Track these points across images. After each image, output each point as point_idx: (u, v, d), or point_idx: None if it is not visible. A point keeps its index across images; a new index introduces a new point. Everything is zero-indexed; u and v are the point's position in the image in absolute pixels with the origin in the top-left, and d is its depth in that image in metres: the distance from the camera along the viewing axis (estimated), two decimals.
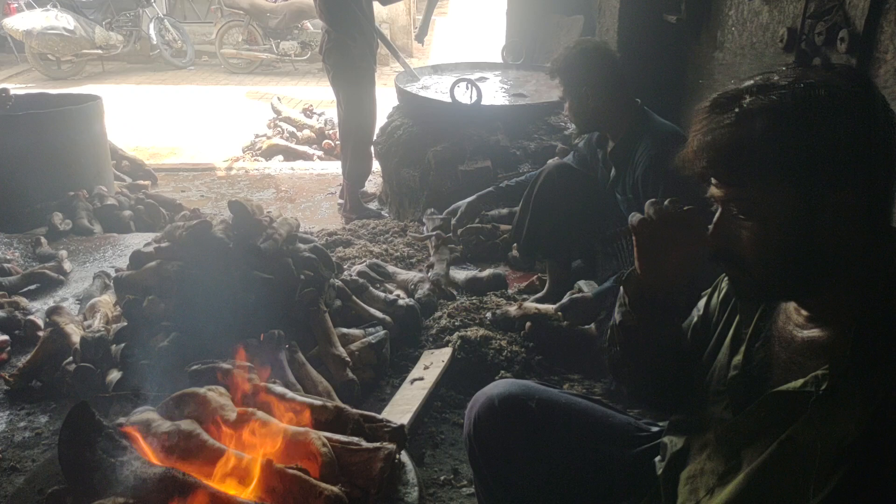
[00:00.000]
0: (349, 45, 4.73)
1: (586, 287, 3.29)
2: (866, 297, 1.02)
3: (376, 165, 5.93)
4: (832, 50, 2.18)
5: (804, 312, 1.10)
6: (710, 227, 1.10)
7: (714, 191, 1.08)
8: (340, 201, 5.47)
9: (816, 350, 1.06)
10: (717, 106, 1.06)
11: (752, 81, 1.05)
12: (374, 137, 5.17)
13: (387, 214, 5.20)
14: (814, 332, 1.08)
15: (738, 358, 1.20)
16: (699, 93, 3.29)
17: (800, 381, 1.02)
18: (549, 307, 2.99)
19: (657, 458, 1.35)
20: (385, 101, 5.55)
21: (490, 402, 1.52)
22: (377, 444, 1.45)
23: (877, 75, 1.98)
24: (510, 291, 3.56)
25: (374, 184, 6.06)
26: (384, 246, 3.99)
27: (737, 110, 1.02)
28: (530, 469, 1.46)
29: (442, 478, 2.34)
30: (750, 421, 1.10)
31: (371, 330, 2.90)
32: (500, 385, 1.57)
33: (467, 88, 4.45)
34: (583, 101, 2.78)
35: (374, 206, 5.53)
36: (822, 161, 0.97)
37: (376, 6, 5.00)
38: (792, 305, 1.13)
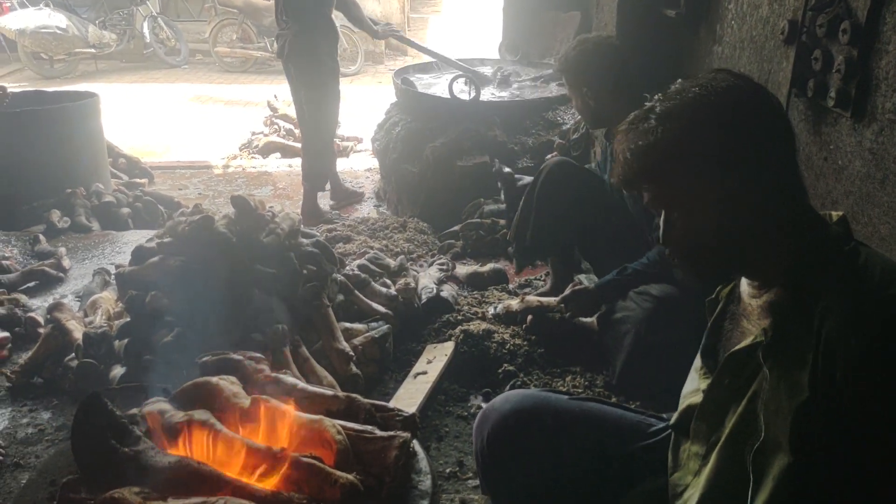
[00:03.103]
0: (319, 44, 4.65)
1: (586, 281, 3.30)
2: (793, 257, 1.13)
3: (374, 162, 5.94)
4: (834, 42, 2.18)
5: (754, 283, 1.20)
6: (660, 233, 1.22)
7: (648, 197, 1.21)
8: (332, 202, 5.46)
9: (767, 311, 1.15)
10: (635, 121, 1.19)
11: (658, 96, 1.20)
12: (373, 134, 5.17)
13: (386, 211, 5.21)
14: (764, 297, 1.17)
15: (703, 342, 1.30)
16: None
17: (750, 338, 1.12)
18: (550, 300, 3.00)
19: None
20: (382, 98, 5.54)
21: (503, 419, 1.50)
22: (392, 433, 1.46)
23: (879, 66, 1.99)
24: (511, 286, 3.57)
25: (371, 181, 6.06)
26: (384, 241, 4.00)
27: (652, 117, 1.16)
28: (547, 479, 1.45)
29: (448, 470, 2.35)
30: (718, 391, 1.18)
31: (374, 325, 2.90)
32: (512, 400, 1.55)
33: (465, 84, 4.46)
34: (588, 99, 2.80)
35: (371, 202, 5.54)
36: (730, 150, 1.11)
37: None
38: (745, 281, 1.24)
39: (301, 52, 4.65)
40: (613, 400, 2.51)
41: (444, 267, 3.58)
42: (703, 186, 1.13)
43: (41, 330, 3.04)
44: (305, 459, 1.35)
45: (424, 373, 2.75)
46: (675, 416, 1.34)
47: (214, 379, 1.57)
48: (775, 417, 1.03)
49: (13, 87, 4.80)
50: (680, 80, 1.22)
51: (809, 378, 1.01)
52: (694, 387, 1.30)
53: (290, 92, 5.05)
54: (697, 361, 1.33)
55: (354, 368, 2.65)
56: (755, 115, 1.13)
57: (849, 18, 2.10)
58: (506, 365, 2.79)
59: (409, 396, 2.61)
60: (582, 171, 3.06)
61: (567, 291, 2.82)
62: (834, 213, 1.17)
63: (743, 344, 1.14)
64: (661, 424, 1.51)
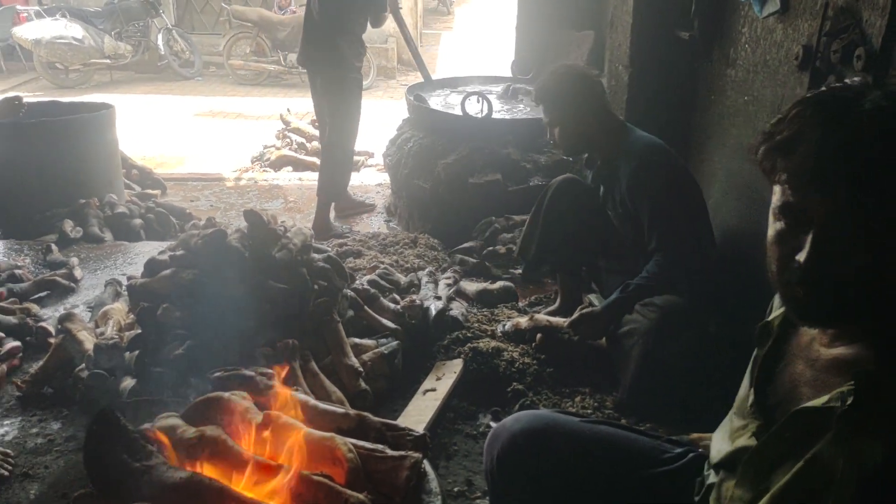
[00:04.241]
0: (347, 55, 4.72)
1: (596, 301, 3.30)
2: (892, 313, 1.00)
3: (384, 177, 5.97)
4: (848, 68, 2.19)
5: (829, 331, 1.08)
6: (805, 253, 1.01)
7: (784, 196, 1.03)
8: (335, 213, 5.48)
9: (843, 367, 1.04)
10: (825, 104, 1.00)
11: (859, 80, 1.03)
12: (384, 149, 5.20)
13: (396, 226, 5.23)
14: (840, 350, 1.06)
15: (750, 380, 1.20)
16: (710, 108, 3.31)
17: (825, 398, 1.00)
18: (559, 320, 3.00)
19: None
20: (394, 113, 5.57)
21: (513, 439, 1.48)
22: (403, 453, 1.46)
23: None
24: (521, 304, 3.57)
25: (382, 196, 6.08)
26: (395, 257, 4.01)
27: (854, 114, 0.97)
28: (557, 501, 1.44)
29: (456, 489, 2.34)
30: (775, 442, 1.08)
31: (383, 341, 2.91)
32: (522, 420, 1.53)
33: (478, 102, 4.48)
34: (569, 126, 2.86)
35: (382, 217, 5.57)
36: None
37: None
38: None
39: (329, 61, 4.73)
40: (624, 422, 2.50)
41: (450, 281, 3.58)
42: (877, 216, 0.95)
43: (52, 340, 3.05)
44: (316, 477, 1.35)
45: (433, 390, 2.75)
46: (718, 452, 1.27)
47: (226, 394, 1.57)
48: (839, 488, 0.95)
49: (29, 97, 4.84)
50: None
51: (886, 453, 0.92)
52: (741, 423, 1.22)
53: (313, 103, 5.10)
54: (743, 391, 1.24)
55: (363, 384, 2.65)
56: None
57: (864, 45, 2.11)
58: (515, 383, 2.79)
59: (417, 413, 2.61)
60: (587, 189, 3.09)
61: (575, 315, 2.83)
62: None
63: (815, 403, 1.01)
64: (676, 451, 1.48)
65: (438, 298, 3.26)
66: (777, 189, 1.05)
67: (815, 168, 0.97)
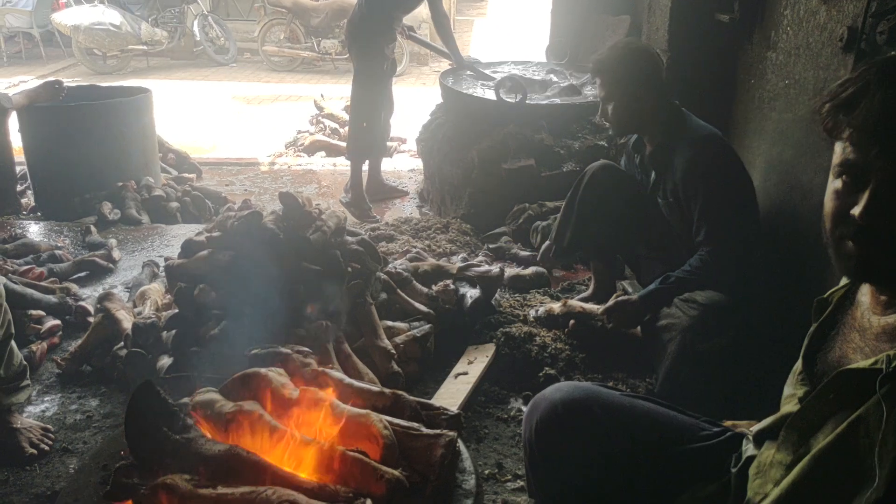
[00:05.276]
0: (374, 36, 5.03)
1: (630, 288, 3.27)
2: None
3: (417, 163, 5.97)
4: (895, 49, 2.14)
5: (882, 298, 1.09)
6: (861, 206, 1.02)
7: (844, 154, 1.05)
8: (343, 198, 5.55)
9: (893, 334, 1.06)
10: (891, 65, 1.02)
11: None
12: (417, 135, 5.21)
13: (429, 211, 5.23)
14: (892, 318, 1.07)
15: (806, 346, 1.20)
16: (750, 93, 3.25)
17: (870, 360, 1.02)
18: (593, 307, 2.98)
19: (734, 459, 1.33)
20: (427, 99, 5.58)
21: (553, 408, 1.48)
22: (438, 431, 1.46)
23: None
24: (553, 290, 3.56)
25: (414, 181, 6.09)
26: (427, 242, 4.01)
27: None
28: (594, 472, 1.44)
29: (486, 472, 2.35)
30: (819, 404, 1.09)
31: (416, 324, 2.92)
32: (563, 389, 1.53)
33: (512, 88, 4.46)
34: (626, 103, 2.76)
35: (415, 203, 5.58)
36: None
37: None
38: (869, 293, 1.13)
39: (363, 33, 5.04)
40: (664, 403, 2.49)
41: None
42: None
43: (91, 319, 3.12)
44: (352, 454, 1.36)
45: (465, 373, 2.76)
46: (765, 421, 1.28)
47: (263, 370, 1.59)
48: (883, 450, 0.95)
49: (68, 82, 4.91)
50: None
51: None
52: (790, 392, 1.23)
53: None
54: (798, 365, 1.25)
55: (395, 367, 2.66)
56: None
57: None
58: (547, 368, 2.78)
59: (450, 396, 2.61)
60: (625, 176, 3.03)
61: (610, 302, 2.79)
62: None
63: (861, 365, 1.03)
64: (715, 429, 1.48)
65: (473, 286, 3.22)
66: (838, 147, 1.07)
67: (879, 124, 0.99)
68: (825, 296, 1.25)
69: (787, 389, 1.26)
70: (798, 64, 2.79)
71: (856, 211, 1.01)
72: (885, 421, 0.95)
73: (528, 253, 3.95)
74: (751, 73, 3.24)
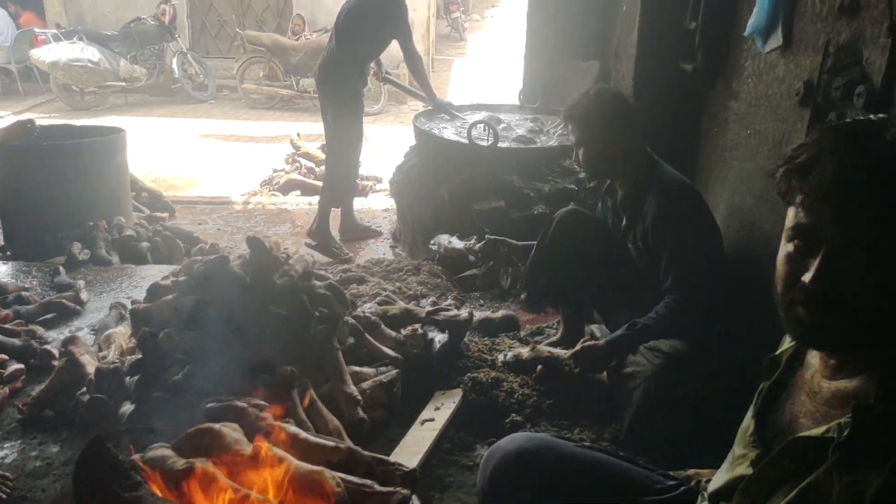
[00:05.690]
0: (350, 75, 5.09)
1: (598, 332, 3.28)
2: (892, 344, 1.01)
3: (391, 203, 6.00)
4: (849, 105, 2.19)
5: (832, 363, 1.10)
6: (812, 272, 1.02)
7: (797, 218, 1.06)
8: (309, 242, 5.49)
9: (843, 400, 1.06)
10: (846, 131, 1.04)
11: (883, 116, 1.06)
12: (391, 176, 5.25)
13: (401, 252, 5.24)
14: (841, 383, 1.07)
15: (753, 411, 1.20)
16: (713, 141, 3.32)
17: (822, 428, 1.02)
18: (561, 352, 2.99)
19: None
20: (403, 139, 5.63)
21: (506, 458, 1.49)
22: (390, 489, 1.46)
23: None
24: (522, 333, 3.56)
25: (388, 221, 6.11)
26: (398, 284, 4.01)
27: (874, 143, 1.00)
28: None
29: None
30: (772, 469, 1.09)
31: (383, 369, 2.90)
32: (517, 440, 1.54)
33: (484, 130, 4.51)
34: (596, 148, 2.79)
35: (388, 243, 5.59)
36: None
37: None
38: (818, 357, 1.13)
39: (336, 76, 5.10)
40: (621, 454, 2.49)
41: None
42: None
43: (55, 363, 3.07)
44: None
45: (431, 420, 2.74)
46: (716, 482, 1.28)
47: (217, 426, 1.58)
48: None
49: (45, 119, 4.91)
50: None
51: (881, 485, 0.92)
52: (741, 452, 1.23)
53: (322, 116, 5.36)
54: (746, 422, 1.25)
55: (361, 413, 2.64)
56: None
57: (864, 83, 2.12)
58: (514, 415, 2.77)
59: (415, 444, 2.59)
60: (593, 221, 3.07)
61: (577, 347, 2.80)
62: None
63: (814, 432, 1.04)
64: (669, 483, 1.48)
65: (442, 331, 3.22)
66: (791, 211, 1.08)
67: (831, 189, 1.00)
68: (776, 353, 1.26)
69: (738, 449, 1.25)
70: (759, 115, 2.86)
71: (806, 277, 1.02)
72: (835, 490, 0.96)
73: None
74: (714, 122, 3.31)
